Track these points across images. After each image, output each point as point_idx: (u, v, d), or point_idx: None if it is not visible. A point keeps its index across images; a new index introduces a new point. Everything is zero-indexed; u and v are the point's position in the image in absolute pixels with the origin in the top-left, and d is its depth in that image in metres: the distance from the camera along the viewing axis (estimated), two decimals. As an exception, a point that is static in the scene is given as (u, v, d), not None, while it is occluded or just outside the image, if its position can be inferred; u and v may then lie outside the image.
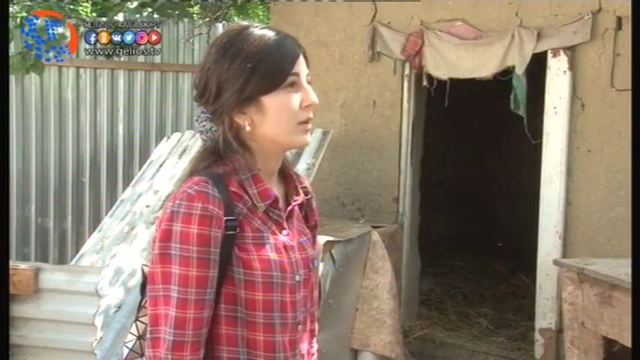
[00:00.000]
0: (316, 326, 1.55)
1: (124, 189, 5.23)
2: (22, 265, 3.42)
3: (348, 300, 3.81)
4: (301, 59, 1.34)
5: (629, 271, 2.48)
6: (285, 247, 1.35)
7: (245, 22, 1.37)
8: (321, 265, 3.46)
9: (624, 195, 3.72)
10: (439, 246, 6.42)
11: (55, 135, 5.89)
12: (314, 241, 1.51)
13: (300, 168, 4.12)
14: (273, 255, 1.31)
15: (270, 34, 1.32)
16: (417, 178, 4.75)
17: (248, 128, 1.31)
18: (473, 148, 7.08)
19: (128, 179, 5.52)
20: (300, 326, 1.37)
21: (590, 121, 3.92)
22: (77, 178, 5.95)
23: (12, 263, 3.42)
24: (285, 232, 1.37)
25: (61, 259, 5.86)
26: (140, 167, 5.23)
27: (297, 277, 1.36)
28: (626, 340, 2.77)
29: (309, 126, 1.35)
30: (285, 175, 1.43)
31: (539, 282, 4.13)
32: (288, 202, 1.42)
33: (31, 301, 3.41)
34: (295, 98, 1.31)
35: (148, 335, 1.26)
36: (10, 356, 3.40)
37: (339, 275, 3.63)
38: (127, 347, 1.39)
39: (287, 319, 1.33)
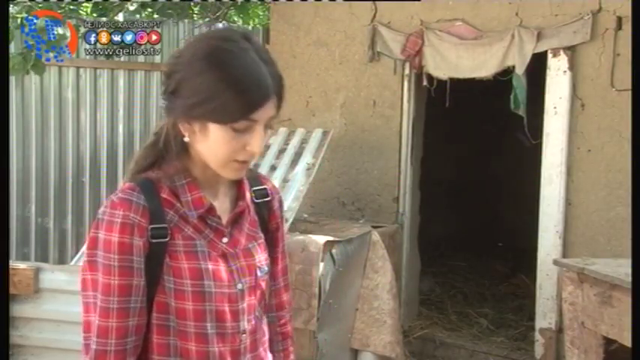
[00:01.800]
0: (289, 328, 1.54)
1: (123, 189, 5.22)
2: (22, 265, 3.42)
3: (348, 300, 3.81)
4: (270, 104, 1.23)
5: (629, 271, 2.48)
6: (224, 255, 1.32)
7: (240, 35, 1.25)
8: (321, 265, 3.47)
9: (624, 195, 3.72)
10: (439, 246, 6.43)
11: (55, 135, 5.89)
12: (275, 244, 1.47)
13: (300, 168, 4.12)
14: (205, 264, 1.28)
15: (250, 64, 1.22)
16: (417, 178, 4.76)
17: (187, 139, 1.27)
18: (473, 148, 7.08)
19: (128, 179, 5.51)
20: (244, 335, 1.34)
21: (590, 121, 3.93)
22: (77, 178, 5.94)
23: (12, 263, 3.42)
24: (225, 239, 1.33)
25: (61, 259, 5.85)
26: (140, 167, 5.22)
27: (240, 286, 1.33)
28: (626, 340, 2.77)
29: (246, 165, 1.29)
30: (236, 180, 1.38)
31: (539, 282, 4.13)
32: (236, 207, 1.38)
33: (31, 301, 3.41)
34: (241, 139, 1.23)
35: (82, 340, 1.29)
36: (10, 356, 3.39)
37: (339, 275, 3.63)
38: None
39: (226, 328, 1.30)
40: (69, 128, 5.91)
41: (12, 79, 5.48)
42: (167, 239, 1.26)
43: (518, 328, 4.71)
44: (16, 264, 3.44)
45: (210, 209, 1.31)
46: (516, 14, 4.11)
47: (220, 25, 5.80)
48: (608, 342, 2.97)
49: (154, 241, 1.25)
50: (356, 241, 3.81)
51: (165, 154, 1.30)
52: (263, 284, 1.39)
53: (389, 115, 4.63)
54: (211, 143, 1.24)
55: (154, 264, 1.26)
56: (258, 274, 1.37)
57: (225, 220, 1.34)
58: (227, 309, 1.30)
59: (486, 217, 6.89)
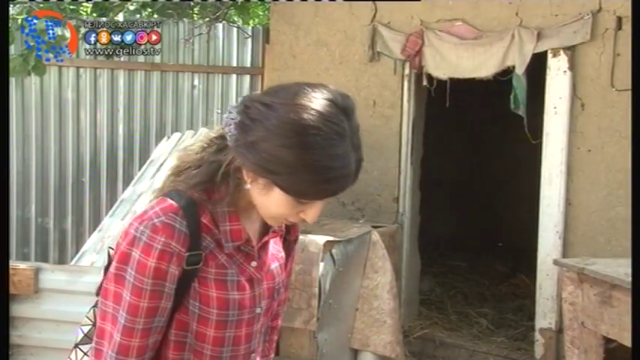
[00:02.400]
0: (279, 322, 1.56)
1: (124, 189, 5.23)
2: (22, 265, 3.42)
3: (348, 300, 3.81)
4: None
5: (629, 271, 2.48)
6: (251, 279, 1.32)
7: (341, 111, 1.17)
8: (321, 265, 3.47)
9: (624, 195, 3.72)
10: (439, 246, 6.43)
11: (55, 135, 5.89)
12: (289, 253, 1.48)
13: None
14: (233, 294, 1.28)
15: (341, 157, 1.16)
16: (417, 177, 4.76)
17: (247, 187, 1.23)
18: (473, 148, 7.08)
19: (128, 179, 5.52)
20: (253, 354, 1.36)
21: (590, 121, 3.93)
22: (77, 178, 5.95)
23: (12, 263, 3.41)
24: (254, 263, 1.33)
25: (61, 259, 5.85)
26: (140, 167, 5.23)
27: (258, 310, 1.34)
28: (626, 340, 2.77)
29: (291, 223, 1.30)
30: None
31: (539, 282, 4.13)
32: (266, 229, 1.37)
33: (31, 301, 3.41)
34: (299, 208, 1.22)
35: (94, 344, 1.27)
36: (10, 356, 3.39)
37: (339, 275, 3.63)
38: (82, 331, 1.40)
39: (239, 351, 1.32)
40: (69, 128, 5.92)
41: (12, 80, 5.48)
42: (200, 265, 1.25)
43: (518, 328, 4.71)
44: (16, 264, 3.43)
45: (247, 241, 1.31)
46: (516, 14, 4.11)
47: (220, 26, 5.80)
48: (608, 341, 2.97)
49: (187, 267, 1.23)
50: (356, 241, 3.81)
51: (218, 182, 1.25)
52: (275, 304, 1.41)
53: (389, 115, 4.63)
54: (270, 202, 1.22)
55: (182, 288, 1.24)
56: (275, 296, 1.38)
57: (257, 242, 1.34)
58: (243, 333, 1.32)
59: (486, 217, 6.90)
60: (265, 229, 1.36)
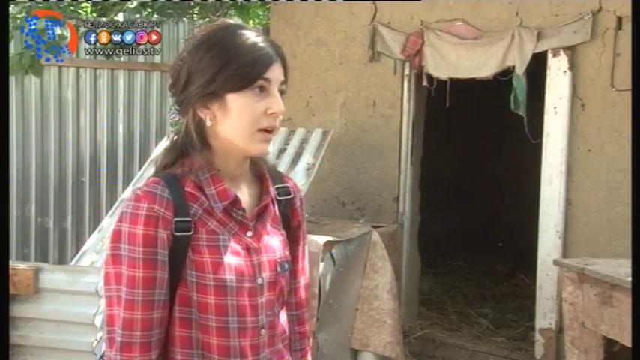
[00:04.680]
0: (306, 328, 1.53)
1: (124, 189, 5.23)
2: (22, 265, 3.42)
3: (348, 300, 3.81)
4: (277, 66, 1.30)
5: (629, 271, 2.48)
6: (247, 248, 1.33)
7: (231, 21, 1.36)
8: (321, 265, 3.46)
9: (624, 195, 3.72)
10: (439, 246, 6.42)
11: (55, 135, 5.89)
12: (296, 242, 1.48)
13: (300, 168, 4.12)
14: (228, 258, 1.29)
15: (250, 35, 1.30)
16: (417, 177, 4.76)
17: (209, 123, 1.29)
18: (473, 148, 7.08)
19: (128, 179, 5.52)
20: (263, 330, 1.34)
21: (590, 121, 3.93)
22: (77, 178, 5.95)
23: (12, 263, 3.42)
24: (249, 233, 1.34)
25: (61, 259, 5.85)
26: (140, 167, 5.23)
27: (260, 280, 1.33)
28: (626, 340, 2.77)
29: (271, 136, 1.31)
30: (259, 176, 1.41)
31: (539, 282, 4.13)
32: (258, 202, 1.39)
33: (32, 301, 3.41)
34: (260, 103, 1.28)
35: (106, 335, 1.28)
36: (11, 356, 3.40)
37: (339, 275, 3.63)
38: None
39: (246, 322, 1.31)
40: (69, 128, 5.91)
41: (12, 79, 5.48)
42: (190, 233, 1.27)
43: (518, 328, 4.71)
44: (16, 264, 3.44)
45: (236, 201, 1.32)
46: (516, 14, 4.11)
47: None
48: (609, 343, 2.97)
49: (177, 234, 1.26)
50: (356, 241, 3.81)
51: (187, 150, 1.32)
52: (282, 281, 1.39)
53: (389, 115, 4.63)
54: (233, 115, 1.27)
55: (177, 257, 1.27)
56: (278, 269, 1.37)
57: (249, 214, 1.35)
58: (247, 303, 1.30)
59: (486, 217, 6.89)
60: (257, 201, 1.39)
